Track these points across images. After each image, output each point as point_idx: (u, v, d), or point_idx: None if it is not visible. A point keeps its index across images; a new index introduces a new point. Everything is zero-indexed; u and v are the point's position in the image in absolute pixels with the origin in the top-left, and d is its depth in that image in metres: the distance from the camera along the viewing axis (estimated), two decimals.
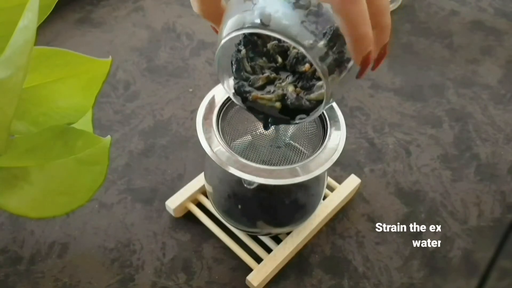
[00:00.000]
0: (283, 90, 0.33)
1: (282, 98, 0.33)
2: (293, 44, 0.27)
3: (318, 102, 0.32)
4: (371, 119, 0.58)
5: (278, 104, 0.33)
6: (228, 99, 0.39)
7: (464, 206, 0.50)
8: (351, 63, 0.28)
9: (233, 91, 0.34)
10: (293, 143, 0.41)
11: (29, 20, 0.26)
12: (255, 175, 0.34)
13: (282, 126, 0.42)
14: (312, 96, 0.32)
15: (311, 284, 0.43)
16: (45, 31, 0.66)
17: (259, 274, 0.42)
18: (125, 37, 0.67)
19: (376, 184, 0.51)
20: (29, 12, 0.26)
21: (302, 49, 0.27)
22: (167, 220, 0.47)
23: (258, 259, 0.43)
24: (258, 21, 0.27)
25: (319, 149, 0.36)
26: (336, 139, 0.37)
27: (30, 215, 0.35)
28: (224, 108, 0.38)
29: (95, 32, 0.67)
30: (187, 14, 0.71)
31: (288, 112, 0.33)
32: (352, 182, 0.49)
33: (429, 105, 0.60)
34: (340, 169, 0.52)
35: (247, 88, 0.34)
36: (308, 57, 0.27)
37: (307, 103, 0.32)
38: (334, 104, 0.39)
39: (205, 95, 0.39)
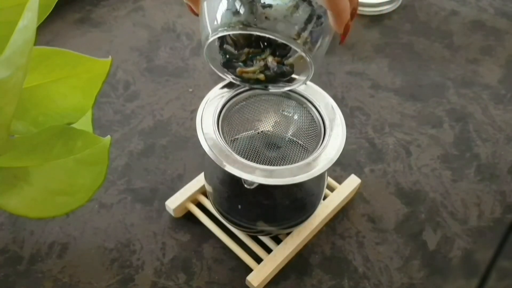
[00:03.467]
0: (264, 61, 0.36)
1: (265, 69, 0.36)
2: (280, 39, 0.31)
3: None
4: (371, 119, 0.58)
5: (262, 76, 0.37)
6: (229, 99, 0.39)
7: (465, 206, 0.50)
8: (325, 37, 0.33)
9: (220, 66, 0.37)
10: (295, 139, 0.41)
11: (28, 20, 0.26)
12: (255, 175, 0.34)
13: (282, 126, 0.42)
14: (291, 60, 0.36)
15: (311, 284, 0.43)
16: (45, 31, 0.66)
17: (259, 274, 0.42)
18: (125, 37, 0.67)
19: (376, 184, 0.51)
20: (28, 12, 0.26)
21: (290, 44, 0.31)
22: (167, 220, 0.47)
23: (258, 259, 0.43)
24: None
25: (319, 149, 0.36)
26: (336, 139, 0.37)
27: (29, 215, 0.35)
28: (224, 108, 0.38)
29: (95, 32, 0.67)
30: (187, 14, 0.71)
31: (273, 80, 0.37)
32: (352, 182, 0.49)
33: (430, 105, 0.60)
34: (340, 169, 0.52)
35: (234, 64, 0.37)
36: (294, 47, 0.31)
37: (288, 68, 0.36)
38: (334, 104, 0.39)
39: (205, 95, 0.39)
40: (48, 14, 0.32)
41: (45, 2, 0.31)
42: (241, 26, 0.31)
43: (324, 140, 0.37)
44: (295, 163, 0.35)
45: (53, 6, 0.32)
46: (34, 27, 0.26)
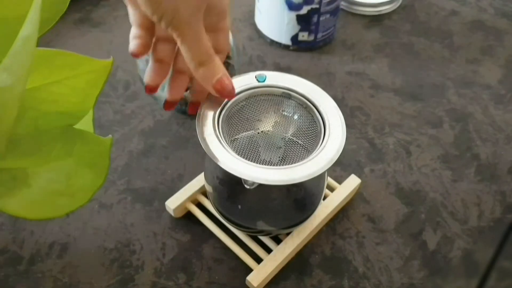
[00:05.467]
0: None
1: None
2: None
3: None
4: (371, 119, 0.58)
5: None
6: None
7: (465, 206, 0.50)
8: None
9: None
10: (295, 139, 0.41)
11: (30, 28, 0.26)
12: (255, 175, 0.34)
13: (282, 126, 0.41)
14: None
15: (311, 284, 0.43)
16: None
17: (259, 274, 0.42)
18: (125, 37, 0.66)
19: (377, 184, 0.51)
20: (30, 20, 0.26)
21: None
22: (167, 220, 0.47)
23: (258, 259, 0.43)
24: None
25: (319, 149, 0.36)
26: (336, 139, 0.37)
27: (29, 216, 0.35)
28: (225, 107, 0.38)
29: (95, 32, 0.67)
30: None
31: None
32: (352, 182, 0.49)
33: (430, 105, 0.60)
34: (340, 169, 0.52)
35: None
36: None
37: None
38: (334, 104, 0.39)
39: None
40: (50, 27, 0.32)
41: (48, 15, 0.31)
42: None
43: (324, 140, 0.37)
44: (295, 163, 0.35)
45: (56, 20, 0.32)
46: (35, 35, 0.26)
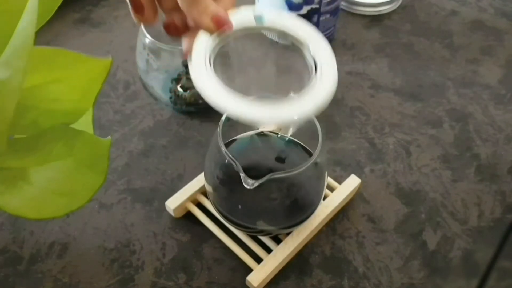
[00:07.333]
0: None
1: None
2: None
3: None
4: (371, 119, 0.58)
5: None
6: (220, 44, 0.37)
7: (465, 206, 0.50)
8: None
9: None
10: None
11: (27, 22, 0.26)
12: (239, 110, 0.31)
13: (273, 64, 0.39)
14: None
15: (311, 284, 0.43)
16: (45, 31, 0.65)
17: (259, 274, 0.42)
18: (125, 37, 0.67)
19: (377, 184, 0.51)
20: (27, 14, 0.26)
21: None
22: (167, 220, 0.47)
23: (258, 259, 0.43)
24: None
25: (307, 90, 0.33)
26: (328, 82, 0.33)
27: (29, 215, 0.35)
28: (216, 44, 0.36)
29: (95, 32, 0.67)
30: None
31: None
32: (352, 182, 0.49)
33: (430, 105, 0.60)
34: (340, 169, 0.52)
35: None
36: None
37: None
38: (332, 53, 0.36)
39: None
40: (48, 18, 0.32)
41: (45, 7, 0.31)
42: None
43: (314, 83, 0.34)
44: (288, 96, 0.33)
45: (54, 11, 0.32)
46: (33, 29, 0.26)
